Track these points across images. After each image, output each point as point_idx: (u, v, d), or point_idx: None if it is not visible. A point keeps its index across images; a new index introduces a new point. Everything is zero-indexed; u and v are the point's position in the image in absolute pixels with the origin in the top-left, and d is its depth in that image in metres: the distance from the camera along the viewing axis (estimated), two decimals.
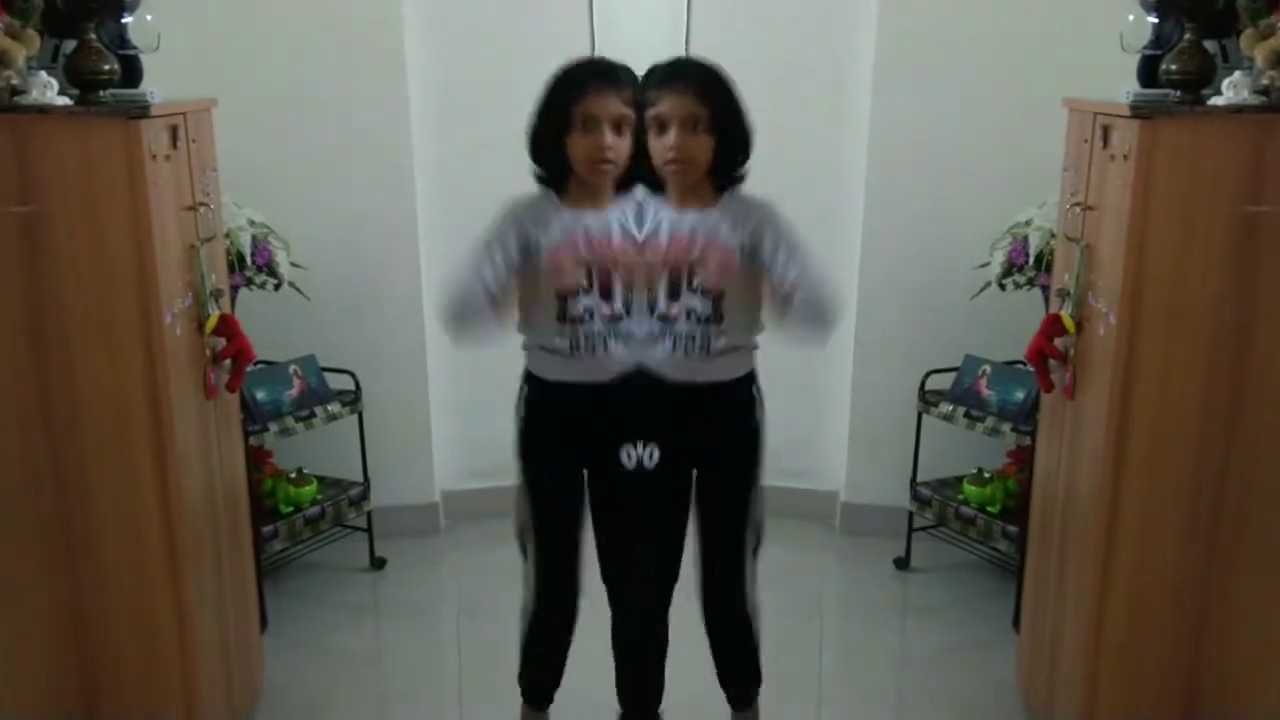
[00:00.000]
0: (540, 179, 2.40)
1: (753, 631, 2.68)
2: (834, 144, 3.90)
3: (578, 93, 2.28)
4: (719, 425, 2.48)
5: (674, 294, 2.35)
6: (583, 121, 2.28)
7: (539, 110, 2.34)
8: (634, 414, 2.42)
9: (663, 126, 2.30)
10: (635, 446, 2.42)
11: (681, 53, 3.82)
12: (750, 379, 2.49)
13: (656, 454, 2.42)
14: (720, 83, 2.32)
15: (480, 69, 3.82)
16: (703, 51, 3.81)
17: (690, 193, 2.36)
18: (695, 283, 2.33)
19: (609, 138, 2.28)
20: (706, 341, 2.36)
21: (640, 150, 2.34)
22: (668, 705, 2.78)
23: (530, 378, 2.47)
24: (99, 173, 2.23)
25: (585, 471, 2.53)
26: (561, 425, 2.47)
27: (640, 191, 2.40)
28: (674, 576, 2.60)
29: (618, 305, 2.35)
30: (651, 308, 2.36)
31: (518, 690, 2.78)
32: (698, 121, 2.28)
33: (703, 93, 2.29)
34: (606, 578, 2.61)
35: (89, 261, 2.27)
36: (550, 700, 2.78)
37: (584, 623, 2.65)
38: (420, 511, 4.10)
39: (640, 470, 2.43)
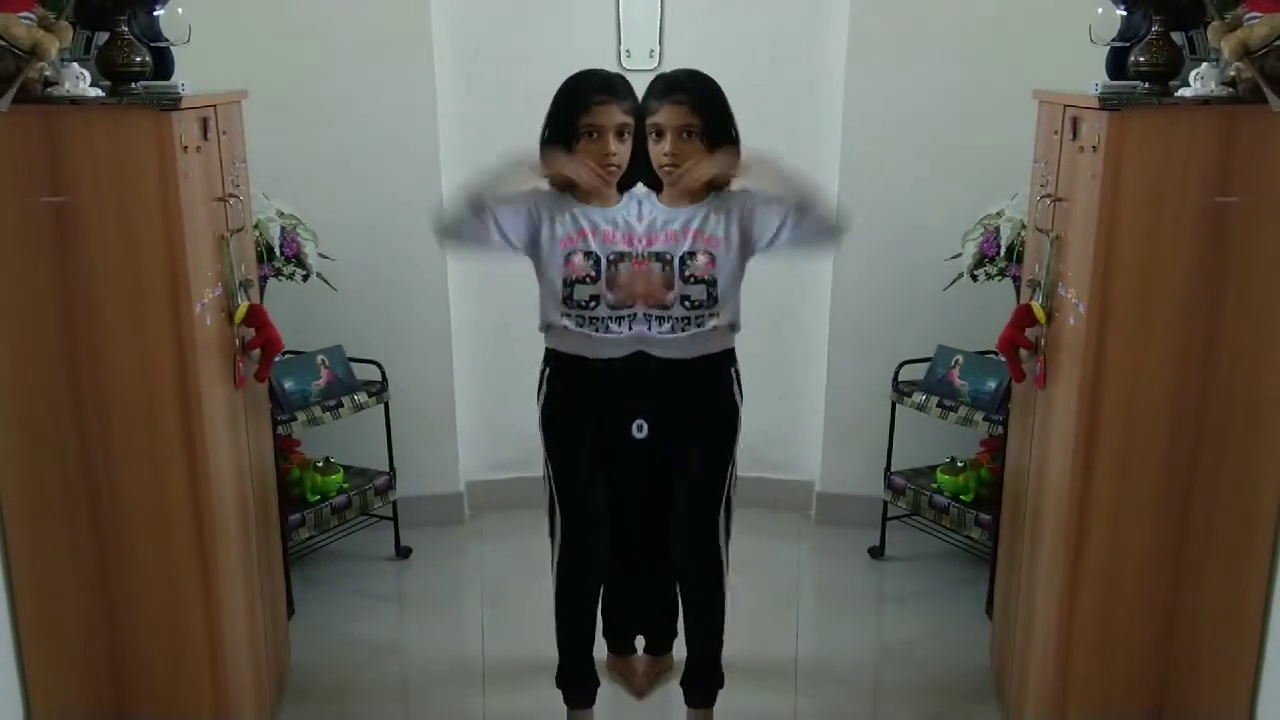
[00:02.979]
0: (554, 184, 2.60)
1: (721, 618, 2.83)
2: (806, 137, 3.90)
3: (583, 105, 2.52)
4: (699, 401, 2.66)
5: (668, 284, 2.55)
6: (589, 132, 2.52)
7: (548, 122, 2.57)
8: (630, 390, 2.63)
9: (660, 134, 2.54)
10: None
11: (656, 42, 3.87)
12: (729, 357, 2.68)
13: (645, 428, 2.64)
14: (713, 96, 2.56)
15: (507, 63, 3.84)
16: (675, 41, 3.88)
17: (684, 194, 2.58)
18: (688, 273, 2.54)
19: (613, 145, 2.53)
20: (701, 323, 2.57)
21: (641, 153, 2.58)
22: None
23: (550, 354, 2.67)
24: (130, 164, 2.25)
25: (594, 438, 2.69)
26: (576, 396, 2.66)
27: (640, 189, 2.64)
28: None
29: (622, 294, 2.55)
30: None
31: (540, 680, 2.89)
32: (691, 131, 2.52)
33: (696, 105, 2.53)
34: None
35: (120, 252, 2.28)
36: (592, 698, 2.90)
37: None
38: (445, 501, 4.11)
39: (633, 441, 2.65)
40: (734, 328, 2.64)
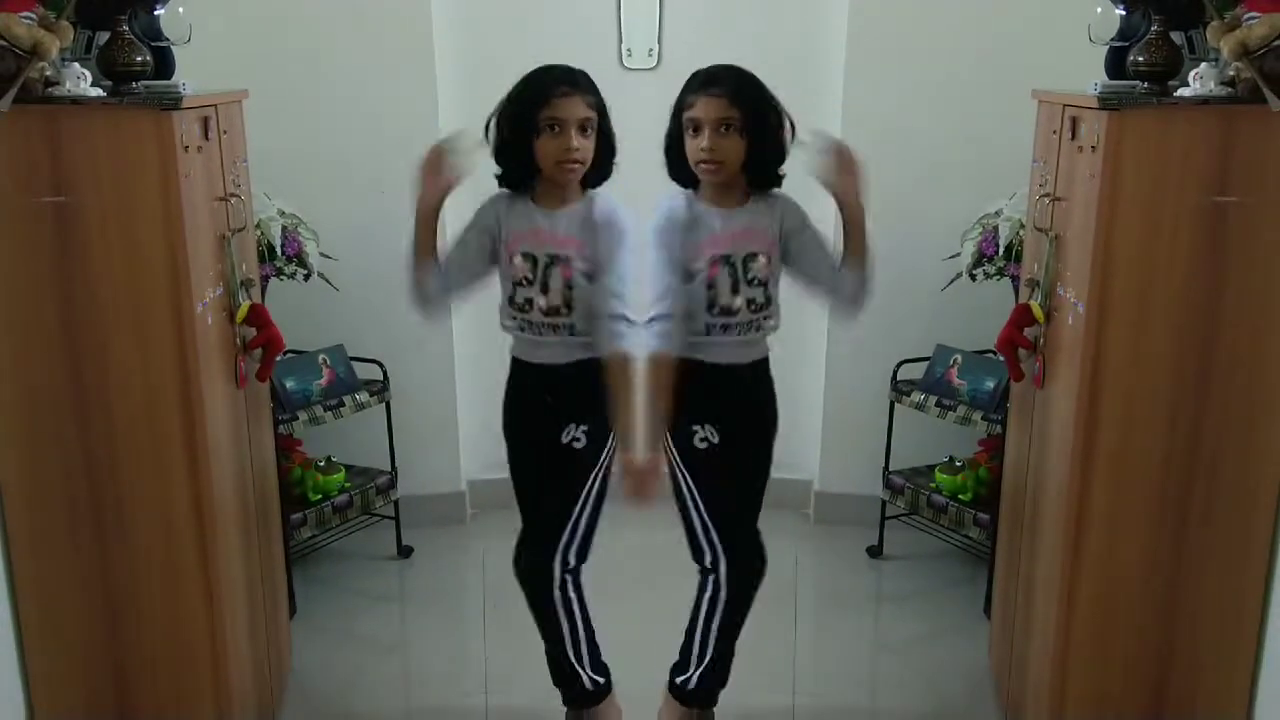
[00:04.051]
0: (505, 182, 2.53)
1: (741, 620, 2.78)
2: (805, 136, 3.91)
3: (544, 98, 2.43)
4: (749, 404, 2.64)
5: (735, 289, 2.50)
6: (550, 125, 2.43)
7: (505, 117, 2.49)
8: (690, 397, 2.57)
9: (697, 129, 2.45)
10: (702, 427, 2.59)
11: (655, 42, 3.86)
12: (768, 359, 2.65)
13: (716, 435, 2.60)
14: (752, 88, 2.47)
15: (508, 63, 3.82)
16: (675, 41, 3.88)
17: (724, 191, 2.51)
18: (750, 275, 2.49)
19: (575, 139, 2.43)
20: (760, 326, 2.55)
21: (677, 149, 2.50)
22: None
23: (512, 359, 2.62)
24: (131, 164, 2.25)
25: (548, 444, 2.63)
26: (531, 402, 2.62)
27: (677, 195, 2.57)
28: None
29: (554, 300, 2.49)
30: (711, 304, 2.50)
31: (542, 679, 2.87)
32: (729, 125, 2.43)
33: (735, 98, 2.43)
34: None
35: (121, 252, 2.29)
36: (590, 698, 2.83)
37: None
38: (447, 500, 4.13)
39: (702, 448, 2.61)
40: (775, 327, 2.62)
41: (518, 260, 2.49)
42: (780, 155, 2.52)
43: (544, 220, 2.50)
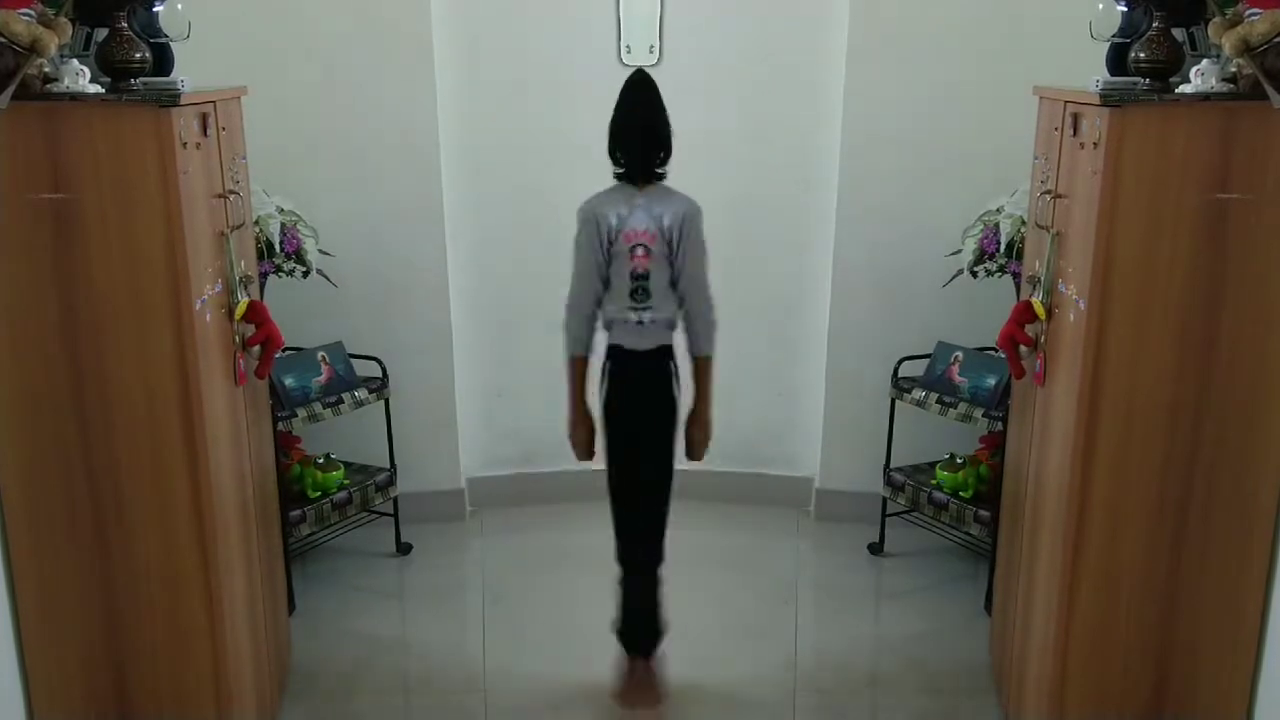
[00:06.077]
0: (619, 175, 2.84)
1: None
2: (807, 133, 3.91)
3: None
4: (642, 389, 2.90)
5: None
6: None
7: (613, 121, 2.81)
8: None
9: None
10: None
11: (655, 38, 3.88)
12: (666, 352, 2.89)
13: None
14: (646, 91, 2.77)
15: (507, 59, 3.84)
16: (675, 38, 3.88)
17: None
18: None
19: None
20: (641, 316, 2.84)
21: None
22: None
23: (615, 350, 2.89)
24: (130, 160, 2.25)
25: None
26: (634, 385, 2.90)
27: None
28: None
29: (651, 286, 2.85)
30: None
31: (541, 675, 3.02)
32: None
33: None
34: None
35: (120, 248, 2.29)
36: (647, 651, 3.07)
37: None
38: (446, 498, 4.12)
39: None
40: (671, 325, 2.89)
41: (640, 253, 2.79)
42: (668, 153, 2.82)
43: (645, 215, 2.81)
